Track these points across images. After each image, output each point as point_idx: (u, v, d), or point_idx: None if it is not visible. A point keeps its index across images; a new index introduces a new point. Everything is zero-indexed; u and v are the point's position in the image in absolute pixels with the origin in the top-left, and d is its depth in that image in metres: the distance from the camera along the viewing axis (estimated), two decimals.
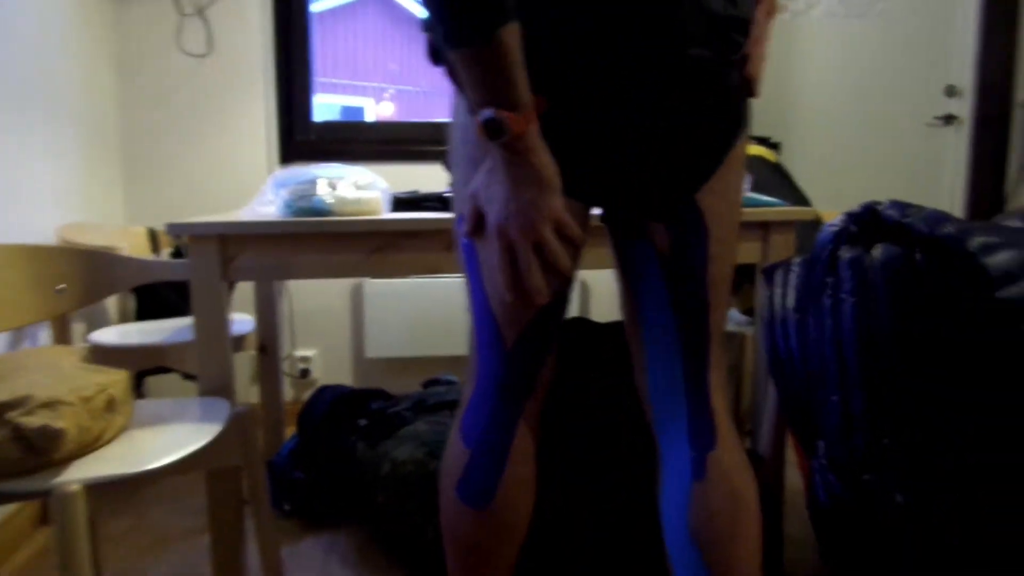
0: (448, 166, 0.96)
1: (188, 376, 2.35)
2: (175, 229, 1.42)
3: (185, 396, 2.56)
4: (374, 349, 2.65)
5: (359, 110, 8.29)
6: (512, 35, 0.71)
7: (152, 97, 2.52)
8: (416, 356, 2.67)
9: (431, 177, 2.63)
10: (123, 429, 1.23)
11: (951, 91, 2.92)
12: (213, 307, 1.41)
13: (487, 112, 0.73)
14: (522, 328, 0.92)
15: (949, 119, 2.92)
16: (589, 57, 0.78)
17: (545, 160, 0.77)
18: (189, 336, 2.01)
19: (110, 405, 1.18)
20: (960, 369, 1.26)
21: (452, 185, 0.93)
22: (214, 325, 1.42)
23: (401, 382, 2.72)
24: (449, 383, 2.20)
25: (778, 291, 1.47)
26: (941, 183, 2.99)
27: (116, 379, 1.21)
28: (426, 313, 2.63)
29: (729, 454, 0.93)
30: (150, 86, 2.51)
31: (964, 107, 2.92)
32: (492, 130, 0.73)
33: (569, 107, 0.81)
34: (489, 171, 0.79)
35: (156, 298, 2.32)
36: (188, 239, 1.41)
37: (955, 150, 2.96)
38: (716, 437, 0.93)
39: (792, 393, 1.49)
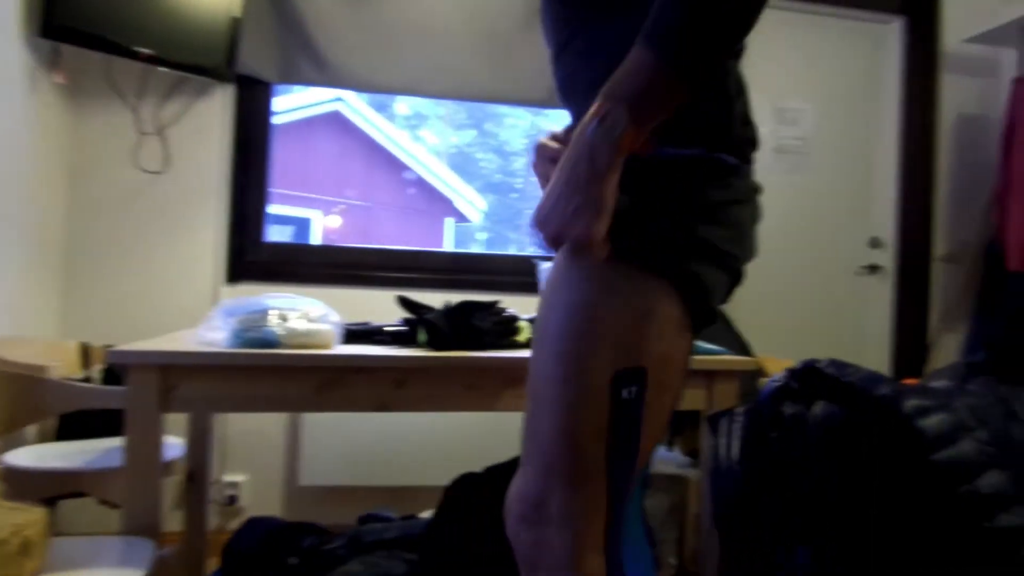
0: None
1: (106, 502, 2.21)
2: (116, 356, 1.37)
3: (102, 522, 2.39)
4: (308, 476, 2.55)
5: (306, 221, 8.33)
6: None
7: (102, 209, 2.49)
8: (353, 485, 2.58)
9: (382, 304, 2.62)
10: (36, 574, 1.13)
11: (875, 243, 3.12)
12: (147, 440, 1.35)
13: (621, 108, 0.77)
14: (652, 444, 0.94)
15: (874, 268, 3.11)
16: None
17: (612, 190, 0.80)
18: (112, 462, 1.90)
19: (24, 548, 1.10)
20: (899, 527, 1.28)
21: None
22: (146, 459, 1.35)
23: (336, 512, 2.60)
24: (387, 520, 2.12)
25: (723, 441, 1.49)
26: (870, 328, 3.13)
27: (33, 519, 1.13)
28: (366, 440, 2.56)
29: None
30: (101, 198, 2.49)
31: (888, 258, 3.11)
32: (611, 124, 0.77)
33: None
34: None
35: (80, 416, 2.20)
36: (127, 368, 1.36)
37: (880, 298, 3.12)
38: None
39: (737, 543, 1.48)
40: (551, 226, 0.81)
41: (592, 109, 0.79)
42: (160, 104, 2.51)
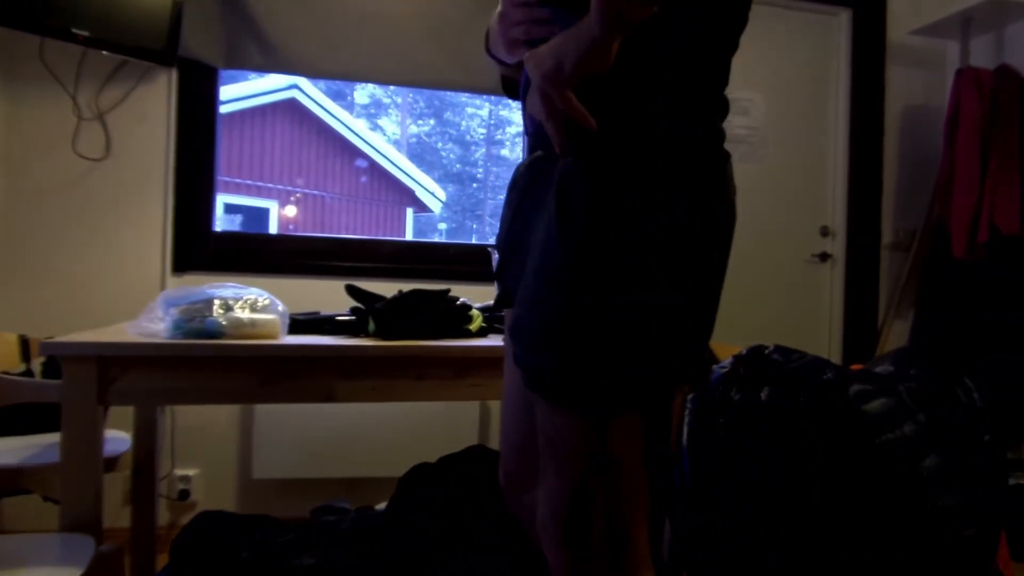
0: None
1: (50, 499, 2.14)
2: (50, 348, 1.33)
3: (47, 519, 2.32)
4: (262, 469, 2.51)
5: (264, 211, 8.19)
6: None
7: (40, 198, 2.40)
8: (308, 477, 2.54)
9: (335, 293, 2.59)
10: None
11: (825, 231, 3.17)
12: (85, 434, 1.31)
13: None
14: None
15: (825, 256, 3.16)
16: None
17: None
18: (53, 457, 1.85)
19: None
20: (844, 508, 1.30)
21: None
22: (84, 454, 1.31)
23: (291, 505, 2.57)
24: (341, 511, 2.10)
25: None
26: (821, 315, 3.19)
27: None
28: (320, 432, 2.52)
29: None
30: (39, 186, 2.40)
31: (838, 246, 3.17)
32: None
33: None
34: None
35: (15, 411, 2.13)
36: (62, 360, 1.32)
37: (831, 285, 3.18)
38: None
39: (688, 526, 1.49)
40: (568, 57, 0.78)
41: None
42: (100, 88, 2.43)
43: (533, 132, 0.96)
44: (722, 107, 0.91)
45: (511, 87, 1.05)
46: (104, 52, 2.30)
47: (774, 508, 1.32)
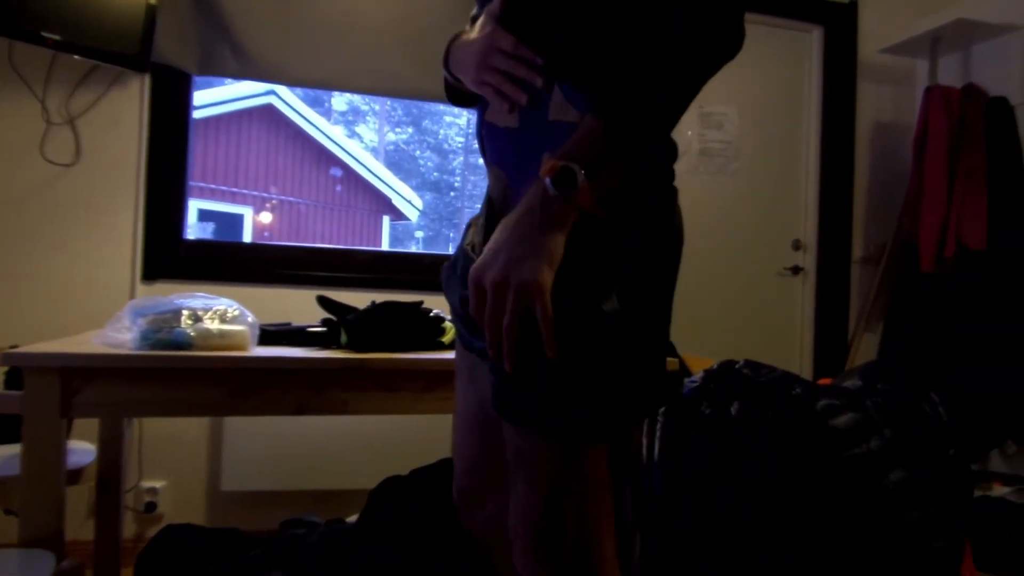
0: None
1: (11, 511, 2.09)
2: (11, 359, 1.30)
3: (8, 533, 2.26)
4: (231, 481, 2.47)
5: (239, 217, 8.10)
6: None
7: (5, 204, 2.36)
8: (277, 490, 2.51)
9: (309, 304, 2.56)
10: None
11: (797, 245, 3.21)
12: (46, 448, 1.28)
13: (575, 166, 0.74)
14: None
15: (796, 270, 3.20)
16: None
17: (561, 245, 0.76)
18: (14, 468, 1.80)
19: None
20: (810, 516, 1.31)
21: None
22: (45, 468, 1.28)
23: (260, 518, 2.53)
24: (311, 524, 2.07)
25: (644, 440, 1.50)
26: (793, 328, 3.22)
27: None
28: (290, 444, 2.50)
29: None
30: (4, 192, 2.35)
31: (809, 260, 3.21)
32: (565, 180, 0.73)
33: None
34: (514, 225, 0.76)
35: None
36: (24, 370, 1.29)
37: (803, 298, 3.22)
38: None
39: (660, 537, 1.50)
40: (493, 269, 0.74)
41: (546, 166, 0.75)
42: (70, 93, 2.39)
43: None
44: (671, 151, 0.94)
45: (454, 94, 1.05)
46: (75, 56, 2.26)
47: (743, 520, 1.33)
